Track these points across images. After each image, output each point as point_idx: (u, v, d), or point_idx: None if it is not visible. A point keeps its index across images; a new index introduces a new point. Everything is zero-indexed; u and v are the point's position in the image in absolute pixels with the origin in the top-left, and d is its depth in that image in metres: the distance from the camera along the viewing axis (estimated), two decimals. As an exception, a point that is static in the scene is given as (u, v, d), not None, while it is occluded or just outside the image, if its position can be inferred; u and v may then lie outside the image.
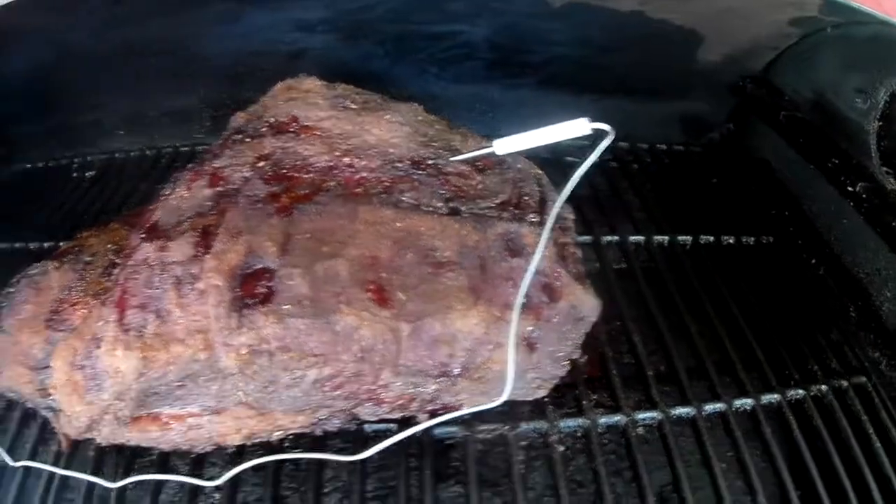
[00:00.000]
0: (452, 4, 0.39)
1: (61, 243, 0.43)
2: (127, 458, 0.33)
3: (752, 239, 0.37)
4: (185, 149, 0.55)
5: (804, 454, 0.29)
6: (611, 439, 0.31)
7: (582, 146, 0.26)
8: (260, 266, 0.26)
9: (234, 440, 0.29)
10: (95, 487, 0.32)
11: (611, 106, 0.39)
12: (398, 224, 0.27)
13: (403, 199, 0.29)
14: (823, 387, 0.31)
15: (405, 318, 0.24)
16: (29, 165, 0.59)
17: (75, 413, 0.31)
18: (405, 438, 0.27)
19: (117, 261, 0.37)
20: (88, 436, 0.32)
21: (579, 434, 0.30)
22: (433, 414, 0.27)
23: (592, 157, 0.27)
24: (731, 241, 0.39)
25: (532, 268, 0.25)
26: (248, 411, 0.28)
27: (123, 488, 0.31)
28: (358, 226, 0.27)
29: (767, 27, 0.33)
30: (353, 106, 0.34)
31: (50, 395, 0.33)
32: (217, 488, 0.30)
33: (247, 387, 0.26)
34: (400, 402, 0.27)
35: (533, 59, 0.39)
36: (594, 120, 0.27)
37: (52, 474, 0.33)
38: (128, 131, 0.56)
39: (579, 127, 0.28)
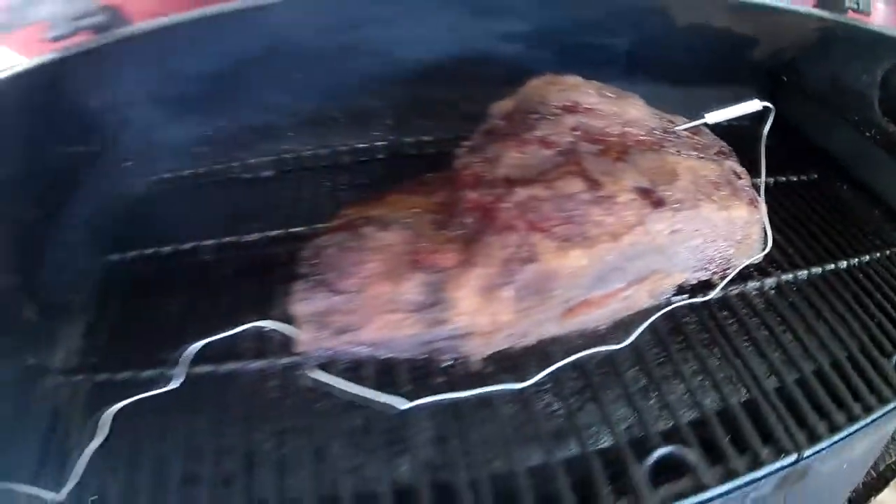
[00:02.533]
0: (604, 23, 0.66)
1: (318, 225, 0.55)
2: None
3: (795, 177, 0.74)
4: (363, 146, 0.69)
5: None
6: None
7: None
8: (645, 187, 0.48)
9: (647, 302, 0.50)
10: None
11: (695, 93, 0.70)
12: (686, 164, 0.53)
13: (672, 151, 0.54)
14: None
15: (723, 209, 0.50)
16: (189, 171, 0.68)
17: (499, 326, 0.45)
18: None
19: (434, 216, 0.52)
20: (500, 347, 0.47)
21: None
22: (724, 276, 0.54)
23: (768, 125, 0.57)
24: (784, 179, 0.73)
25: (762, 180, 0.56)
26: (658, 275, 0.49)
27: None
28: (671, 164, 0.51)
29: (796, 34, 0.70)
30: (609, 95, 0.57)
31: (448, 325, 0.46)
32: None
33: (659, 257, 0.47)
34: (720, 263, 0.53)
35: (658, 63, 0.69)
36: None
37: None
38: (297, 133, 0.68)
39: (753, 105, 0.58)
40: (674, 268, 0.51)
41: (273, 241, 0.59)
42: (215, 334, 0.49)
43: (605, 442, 0.46)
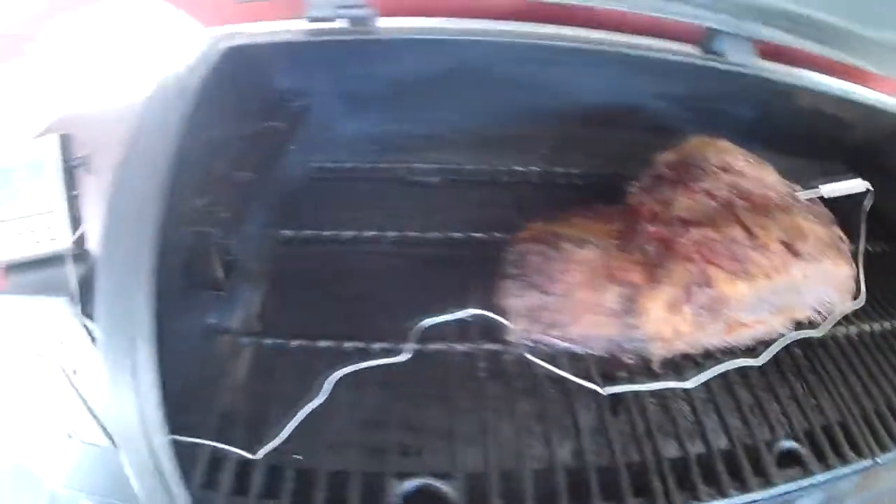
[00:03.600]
0: (737, 95, 0.85)
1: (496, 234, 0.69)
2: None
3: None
4: (520, 169, 0.85)
5: None
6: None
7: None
8: (785, 240, 0.65)
9: (779, 329, 0.67)
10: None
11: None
12: (810, 225, 0.71)
13: (798, 213, 0.73)
14: None
15: (836, 264, 0.69)
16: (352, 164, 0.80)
17: (679, 334, 0.60)
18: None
19: (615, 242, 0.67)
20: (671, 353, 0.62)
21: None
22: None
23: (868, 203, 0.76)
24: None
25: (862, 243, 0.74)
26: (790, 309, 0.66)
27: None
28: (800, 225, 0.69)
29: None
30: (751, 160, 0.75)
31: (640, 329, 0.61)
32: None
33: (794, 296, 0.65)
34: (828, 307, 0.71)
35: (773, 134, 0.88)
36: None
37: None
38: (460, 147, 0.82)
39: (857, 185, 0.78)
40: (802, 306, 0.69)
41: (455, 241, 0.74)
42: (416, 316, 0.63)
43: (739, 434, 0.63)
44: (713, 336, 0.66)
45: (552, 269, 0.64)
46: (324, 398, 0.57)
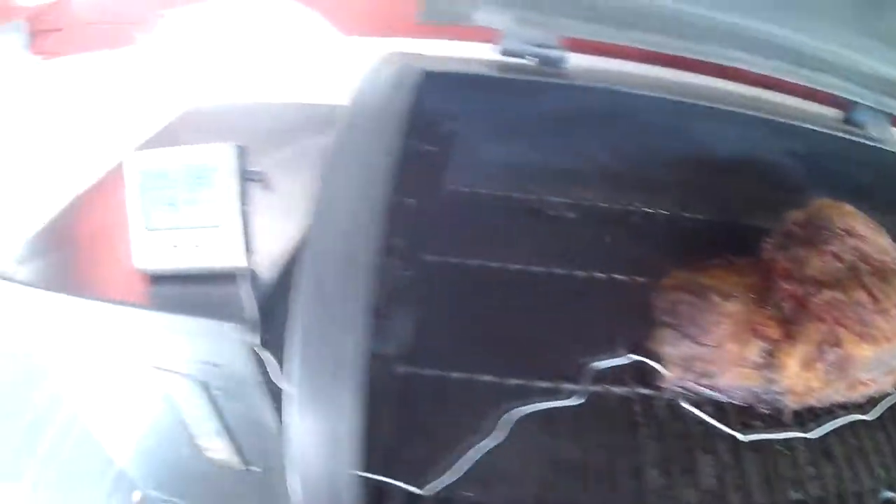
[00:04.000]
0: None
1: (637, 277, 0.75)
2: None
3: None
4: (649, 210, 0.91)
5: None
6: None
7: None
8: None
9: (889, 388, 0.75)
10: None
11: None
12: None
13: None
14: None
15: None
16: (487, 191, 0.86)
17: (810, 389, 0.68)
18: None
19: (752, 296, 0.74)
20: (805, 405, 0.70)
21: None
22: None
23: None
24: None
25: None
26: None
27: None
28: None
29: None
30: (871, 225, 0.83)
31: (778, 383, 0.69)
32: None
33: None
34: None
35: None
36: None
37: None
38: (596, 183, 0.87)
39: None
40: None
41: (597, 282, 0.80)
42: (570, 356, 0.69)
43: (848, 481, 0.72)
44: (838, 392, 0.75)
45: (703, 320, 0.71)
46: (502, 437, 0.62)
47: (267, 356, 0.57)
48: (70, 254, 0.71)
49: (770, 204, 0.84)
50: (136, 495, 1.50)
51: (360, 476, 0.51)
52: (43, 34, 1.06)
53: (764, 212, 0.84)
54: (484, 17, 0.64)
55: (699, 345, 0.71)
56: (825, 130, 0.79)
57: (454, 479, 0.58)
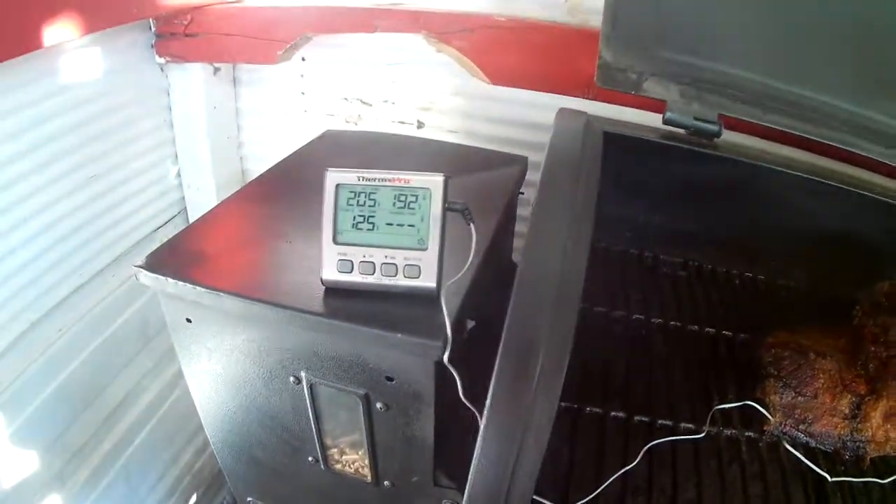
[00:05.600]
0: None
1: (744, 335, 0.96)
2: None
3: None
4: (749, 275, 1.09)
5: None
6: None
7: None
8: None
9: None
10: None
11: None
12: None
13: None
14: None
15: None
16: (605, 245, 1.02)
17: (888, 440, 0.90)
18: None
19: (844, 356, 0.96)
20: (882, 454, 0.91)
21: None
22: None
23: None
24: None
25: None
26: None
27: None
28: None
29: None
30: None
31: (863, 432, 0.90)
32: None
33: None
34: None
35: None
36: None
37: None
38: (704, 247, 1.06)
39: None
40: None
41: (707, 336, 0.99)
42: (698, 403, 0.89)
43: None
44: None
45: (803, 374, 0.93)
46: (636, 462, 0.82)
47: (454, 373, 0.69)
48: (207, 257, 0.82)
49: (862, 276, 1.04)
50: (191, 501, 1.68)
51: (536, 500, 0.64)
52: (174, 37, 1.23)
53: (855, 283, 1.03)
54: (653, 88, 0.82)
55: (800, 395, 0.92)
56: None
57: (593, 496, 0.78)
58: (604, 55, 0.81)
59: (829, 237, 1.07)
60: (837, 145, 0.92)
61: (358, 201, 0.72)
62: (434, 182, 0.71)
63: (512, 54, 1.06)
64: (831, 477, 0.89)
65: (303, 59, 1.21)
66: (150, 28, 1.24)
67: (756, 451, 0.89)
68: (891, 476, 0.93)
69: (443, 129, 1.19)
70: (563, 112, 0.84)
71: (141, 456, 1.43)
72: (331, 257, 0.73)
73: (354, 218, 0.72)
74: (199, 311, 0.80)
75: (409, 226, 0.72)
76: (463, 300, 0.76)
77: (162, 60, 1.26)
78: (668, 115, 0.81)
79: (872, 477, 0.93)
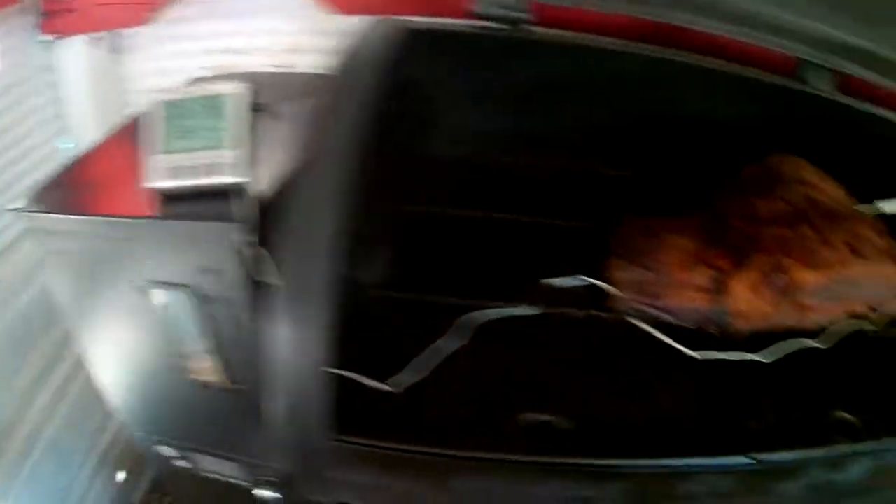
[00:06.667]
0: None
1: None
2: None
3: None
4: (613, 174, 1.07)
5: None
6: None
7: None
8: (848, 241, 0.90)
9: (839, 319, 0.90)
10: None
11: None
12: (869, 233, 0.96)
13: (866, 225, 0.97)
14: None
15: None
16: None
17: (758, 313, 0.83)
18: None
19: (702, 235, 0.91)
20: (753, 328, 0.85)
21: None
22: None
23: None
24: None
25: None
26: (849, 301, 0.90)
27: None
28: (863, 232, 0.94)
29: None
30: (821, 175, 0.99)
31: (725, 306, 0.84)
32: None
33: (853, 288, 0.89)
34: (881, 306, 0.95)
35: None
36: None
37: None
38: (558, 147, 1.04)
39: None
40: (859, 298, 0.93)
41: (562, 228, 0.97)
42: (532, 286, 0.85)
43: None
44: (786, 316, 0.90)
45: (652, 250, 0.88)
46: (460, 343, 0.78)
47: (261, 251, 0.72)
48: (85, 190, 0.87)
49: (727, 163, 1.01)
50: (120, 475, 1.65)
51: (328, 371, 0.65)
52: (56, 14, 1.27)
53: (721, 170, 1.00)
54: None
55: (647, 270, 0.87)
56: (775, 81, 0.95)
57: (416, 378, 0.74)
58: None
59: (690, 126, 1.03)
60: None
61: (177, 112, 0.79)
62: (236, 86, 0.78)
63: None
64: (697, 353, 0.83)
65: (174, 21, 1.26)
66: (38, 8, 1.29)
67: (604, 329, 0.84)
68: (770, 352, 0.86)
69: (313, 68, 1.21)
70: (374, 21, 0.84)
71: (66, 429, 1.41)
72: (155, 165, 0.78)
73: (176, 127, 0.78)
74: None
75: (221, 128, 0.78)
76: (276, 196, 0.78)
77: (49, 38, 1.30)
78: (478, 8, 0.81)
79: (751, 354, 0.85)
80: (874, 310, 0.98)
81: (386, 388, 0.72)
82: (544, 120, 1.04)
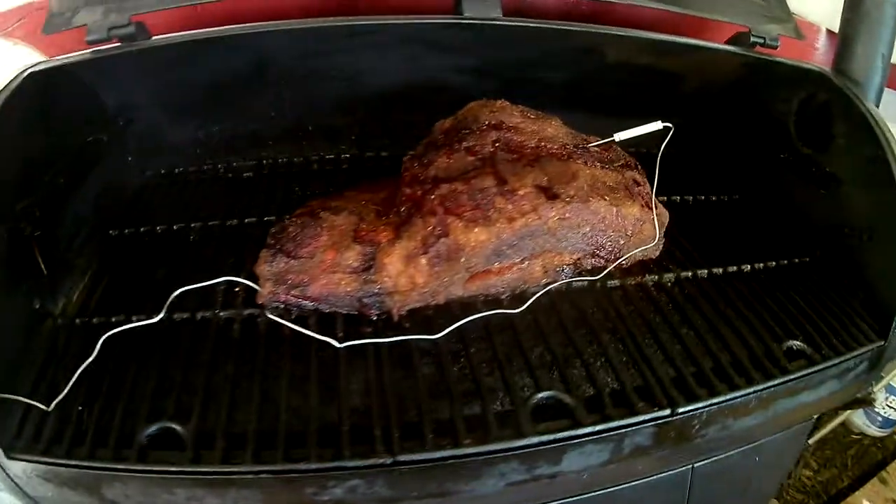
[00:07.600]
0: (542, 61, 0.99)
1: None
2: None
3: (717, 197, 1.05)
4: (330, 157, 1.04)
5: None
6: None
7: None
8: (544, 185, 0.77)
9: (540, 278, 0.77)
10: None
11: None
12: (586, 170, 0.81)
13: (579, 161, 0.83)
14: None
15: (613, 205, 0.78)
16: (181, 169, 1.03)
17: (415, 286, 0.73)
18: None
19: (377, 208, 0.82)
20: (417, 305, 0.74)
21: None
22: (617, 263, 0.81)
23: (665, 141, 0.87)
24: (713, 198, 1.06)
25: (654, 187, 0.85)
26: (550, 253, 0.76)
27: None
28: (573, 170, 0.80)
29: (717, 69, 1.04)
30: (531, 116, 0.87)
31: (377, 284, 0.74)
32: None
33: (551, 238, 0.75)
34: (611, 251, 0.80)
35: (593, 96, 1.00)
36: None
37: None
38: (276, 142, 1.02)
39: (654, 125, 0.87)
40: (564, 249, 0.79)
41: (248, 225, 0.91)
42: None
43: (498, 381, 0.71)
44: (456, 286, 0.77)
45: (303, 236, 0.79)
46: (93, 356, 0.72)
47: None
48: None
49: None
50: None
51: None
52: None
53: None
54: (81, 19, 0.84)
55: (292, 258, 0.78)
56: (432, 21, 0.87)
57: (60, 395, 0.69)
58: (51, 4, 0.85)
59: (402, 94, 0.96)
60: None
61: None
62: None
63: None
64: (343, 342, 0.73)
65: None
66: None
67: (253, 330, 0.77)
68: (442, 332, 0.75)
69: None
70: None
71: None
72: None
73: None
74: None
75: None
76: None
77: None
78: (88, 37, 0.81)
79: (424, 334, 0.75)
80: (607, 258, 0.83)
81: (41, 406, 0.68)
82: (241, 119, 1.02)
